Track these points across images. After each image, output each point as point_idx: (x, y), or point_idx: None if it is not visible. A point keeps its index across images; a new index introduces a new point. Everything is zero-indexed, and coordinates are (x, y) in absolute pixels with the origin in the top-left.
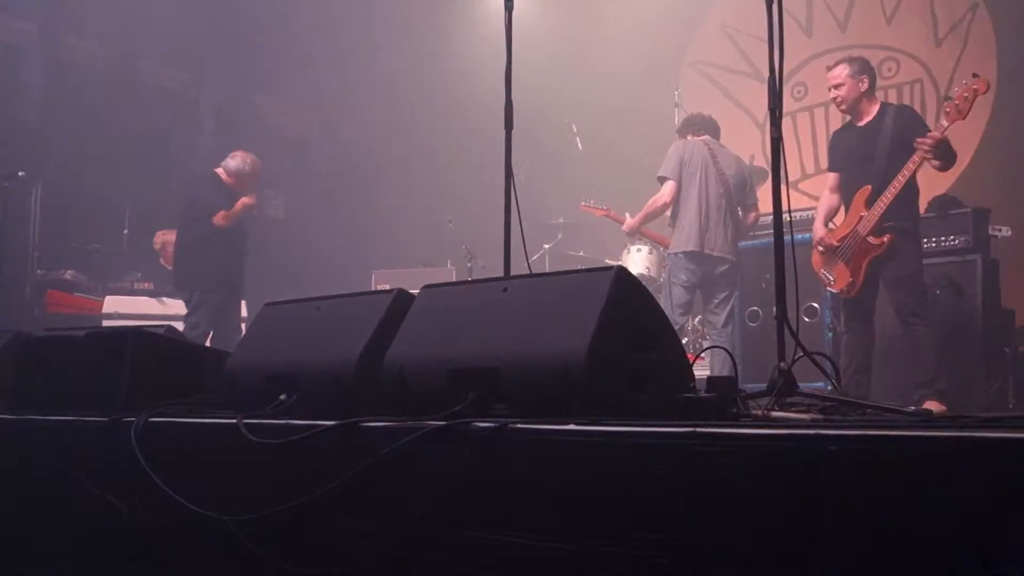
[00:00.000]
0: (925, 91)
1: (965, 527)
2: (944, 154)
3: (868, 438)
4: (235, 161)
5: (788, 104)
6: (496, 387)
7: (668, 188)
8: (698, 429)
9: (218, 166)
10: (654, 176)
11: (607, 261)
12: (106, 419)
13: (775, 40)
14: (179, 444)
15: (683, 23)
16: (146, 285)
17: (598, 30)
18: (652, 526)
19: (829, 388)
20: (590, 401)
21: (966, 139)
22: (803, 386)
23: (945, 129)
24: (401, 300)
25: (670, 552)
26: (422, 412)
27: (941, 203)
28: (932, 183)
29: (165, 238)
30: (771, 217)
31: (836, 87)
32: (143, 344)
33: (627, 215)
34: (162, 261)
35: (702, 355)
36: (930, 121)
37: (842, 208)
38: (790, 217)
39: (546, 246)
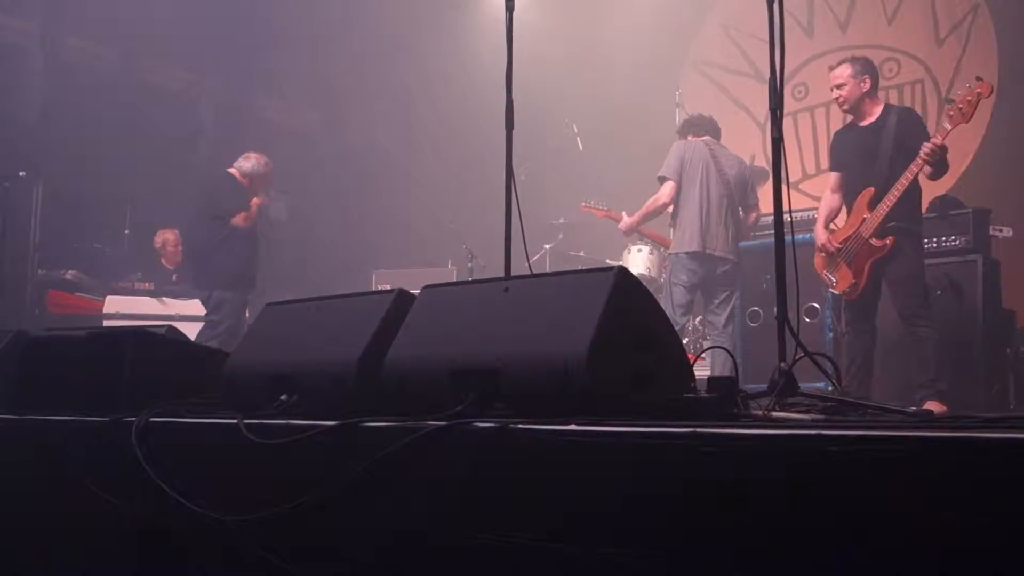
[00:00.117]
0: (926, 91)
1: (966, 527)
2: (940, 161)
3: (869, 439)
4: (249, 163)
5: (789, 104)
6: (497, 387)
7: (668, 188)
8: (699, 429)
9: (230, 166)
10: (655, 176)
11: (608, 261)
12: (106, 419)
13: (776, 40)
14: (180, 444)
15: (684, 23)
16: (147, 285)
17: (599, 30)
18: (652, 526)
19: (830, 389)
20: (591, 401)
21: (967, 139)
22: (804, 386)
23: (948, 132)
24: (402, 300)
25: (670, 552)
26: (423, 412)
27: (942, 203)
28: (933, 184)
29: (165, 237)
30: (772, 217)
31: (838, 87)
32: (143, 344)
33: (623, 214)
34: (163, 260)
35: (703, 355)
36: (931, 121)
37: (843, 209)
38: (791, 217)
39: (547, 246)
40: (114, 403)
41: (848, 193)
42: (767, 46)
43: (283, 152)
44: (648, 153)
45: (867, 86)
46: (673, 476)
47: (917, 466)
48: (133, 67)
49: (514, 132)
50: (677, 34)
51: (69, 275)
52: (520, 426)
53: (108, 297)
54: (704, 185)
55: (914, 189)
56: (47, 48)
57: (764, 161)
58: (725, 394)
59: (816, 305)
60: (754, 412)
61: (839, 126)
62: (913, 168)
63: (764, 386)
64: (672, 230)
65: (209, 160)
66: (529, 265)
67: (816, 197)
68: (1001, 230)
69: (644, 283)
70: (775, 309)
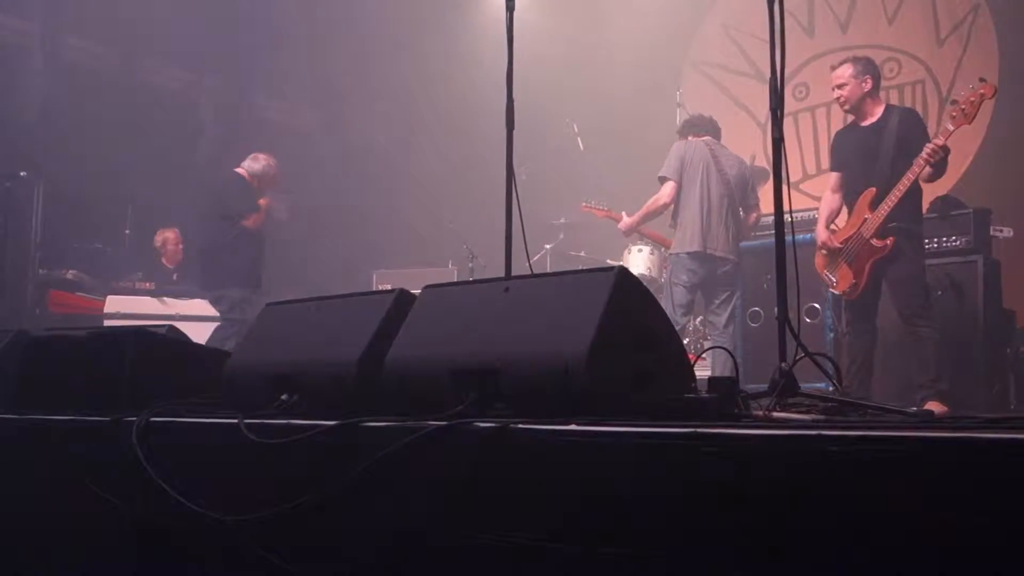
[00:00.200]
0: (927, 92)
1: (966, 527)
2: (941, 162)
3: (869, 439)
4: (259, 164)
5: (790, 104)
6: (497, 387)
7: (668, 188)
8: (699, 430)
9: (237, 166)
10: (655, 176)
11: (608, 261)
12: (107, 419)
13: (777, 40)
14: (180, 444)
15: (684, 23)
16: (148, 285)
17: (600, 30)
18: (652, 526)
19: (831, 389)
20: (591, 402)
21: (968, 139)
22: (804, 387)
23: (951, 133)
24: (402, 300)
25: (670, 552)
26: (423, 412)
27: (943, 204)
28: (934, 184)
29: (166, 235)
30: (772, 217)
31: (839, 87)
32: (144, 344)
33: (624, 214)
34: (163, 260)
35: (703, 355)
36: (932, 121)
37: (844, 209)
38: (791, 217)
39: (547, 246)
40: (114, 403)
41: (849, 193)
42: (767, 46)
43: (283, 152)
44: (648, 153)
45: (868, 86)
46: (673, 476)
47: (917, 466)
48: (133, 67)
49: (515, 132)
50: (677, 34)
51: (70, 275)
52: (520, 426)
53: (109, 297)
54: (705, 185)
55: (915, 189)
56: (47, 48)
57: (765, 161)
58: (726, 394)
59: (817, 305)
60: (755, 412)
61: (840, 126)
62: (915, 169)
63: (765, 386)
64: (673, 230)
65: (209, 160)
66: (530, 265)
67: (816, 197)
68: (1002, 230)
69: (644, 283)
70: (776, 309)
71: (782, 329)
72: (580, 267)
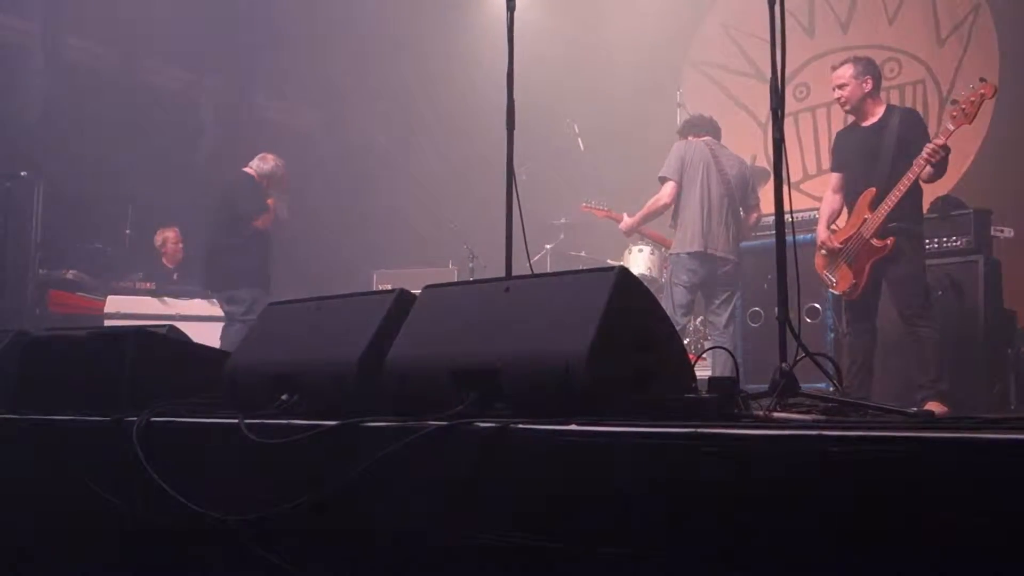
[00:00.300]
0: (927, 92)
1: (966, 527)
2: (941, 162)
3: (870, 439)
4: (268, 164)
5: (790, 104)
6: (498, 387)
7: (668, 189)
8: (700, 430)
9: (246, 167)
10: (655, 176)
11: (609, 261)
12: (107, 419)
13: (777, 40)
14: (180, 444)
15: (684, 23)
16: (148, 285)
17: (600, 30)
18: (652, 526)
19: (831, 389)
20: (592, 402)
21: (968, 140)
22: (805, 387)
23: (951, 133)
24: (403, 300)
25: (670, 552)
26: (423, 412)
27: (943, 204)
28: (934, 184)
29: (166, 235)
30: (773, 218)
31: (840, 87)
32: (144, 344)
33: (624, 215)
34: (164, 259)
35: (704, 356)
36: (932, 121)
37: (844, 209)
38: (792, 218)
39: (548, 246)
40: (115, 403)
41: (849, 193)
42: (768, 46)
43: (283, 152)
44: (648, 153)
45: (869, 86)
46: (673, 476)
47: (917, 466)
48: (133, 67)
49: (515, 132)
50: (677, 34)
51: (70, 275)
52: (520, 426)
53: (109, 297)
54: (705, 185)
55: (915, 190)
56: (47, 48)
57: (765, 161)
58: (726, 394)
59: (817, 306)
60: (755, 412)
61: (840, 126)
62: (915, 169)
63: (765, 386)
64: (673, 231)
65: (209, 160)
66: (530, 265)
67: (817, 197)
68: (1002, 230)
69: (645, 283)
70: (776, 309)
71: (782, 329)
72: (580, 267)
